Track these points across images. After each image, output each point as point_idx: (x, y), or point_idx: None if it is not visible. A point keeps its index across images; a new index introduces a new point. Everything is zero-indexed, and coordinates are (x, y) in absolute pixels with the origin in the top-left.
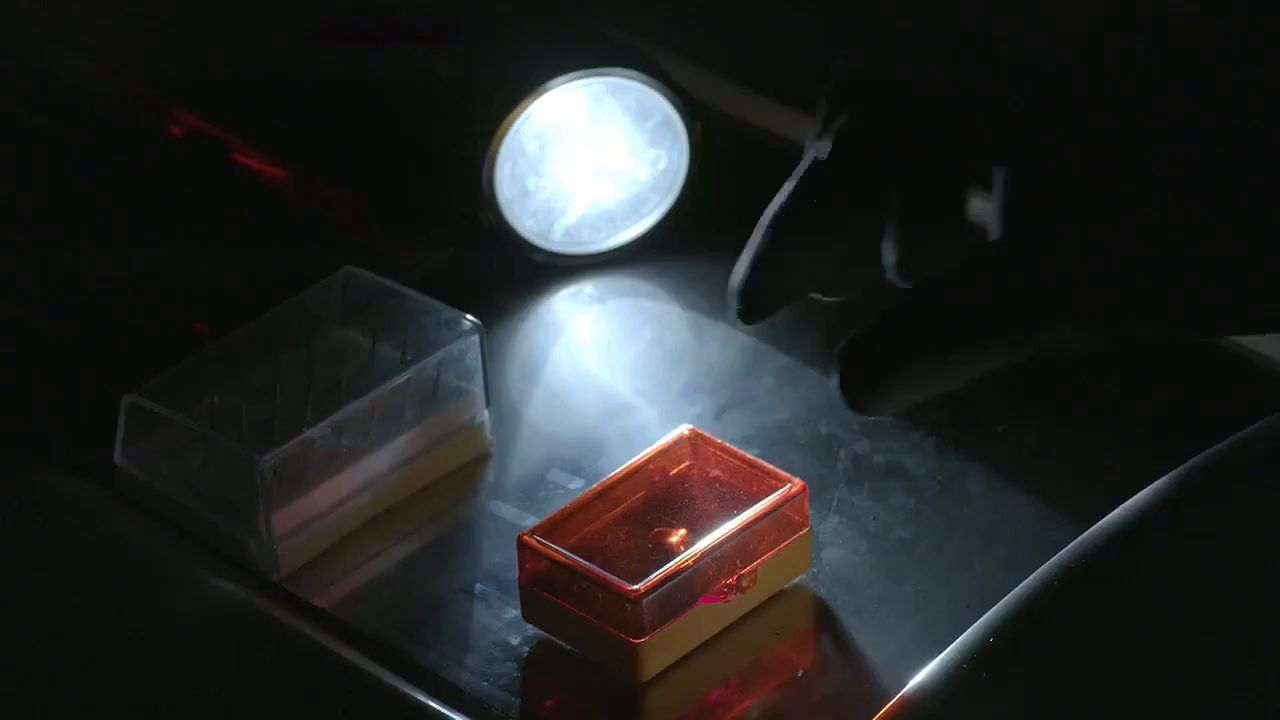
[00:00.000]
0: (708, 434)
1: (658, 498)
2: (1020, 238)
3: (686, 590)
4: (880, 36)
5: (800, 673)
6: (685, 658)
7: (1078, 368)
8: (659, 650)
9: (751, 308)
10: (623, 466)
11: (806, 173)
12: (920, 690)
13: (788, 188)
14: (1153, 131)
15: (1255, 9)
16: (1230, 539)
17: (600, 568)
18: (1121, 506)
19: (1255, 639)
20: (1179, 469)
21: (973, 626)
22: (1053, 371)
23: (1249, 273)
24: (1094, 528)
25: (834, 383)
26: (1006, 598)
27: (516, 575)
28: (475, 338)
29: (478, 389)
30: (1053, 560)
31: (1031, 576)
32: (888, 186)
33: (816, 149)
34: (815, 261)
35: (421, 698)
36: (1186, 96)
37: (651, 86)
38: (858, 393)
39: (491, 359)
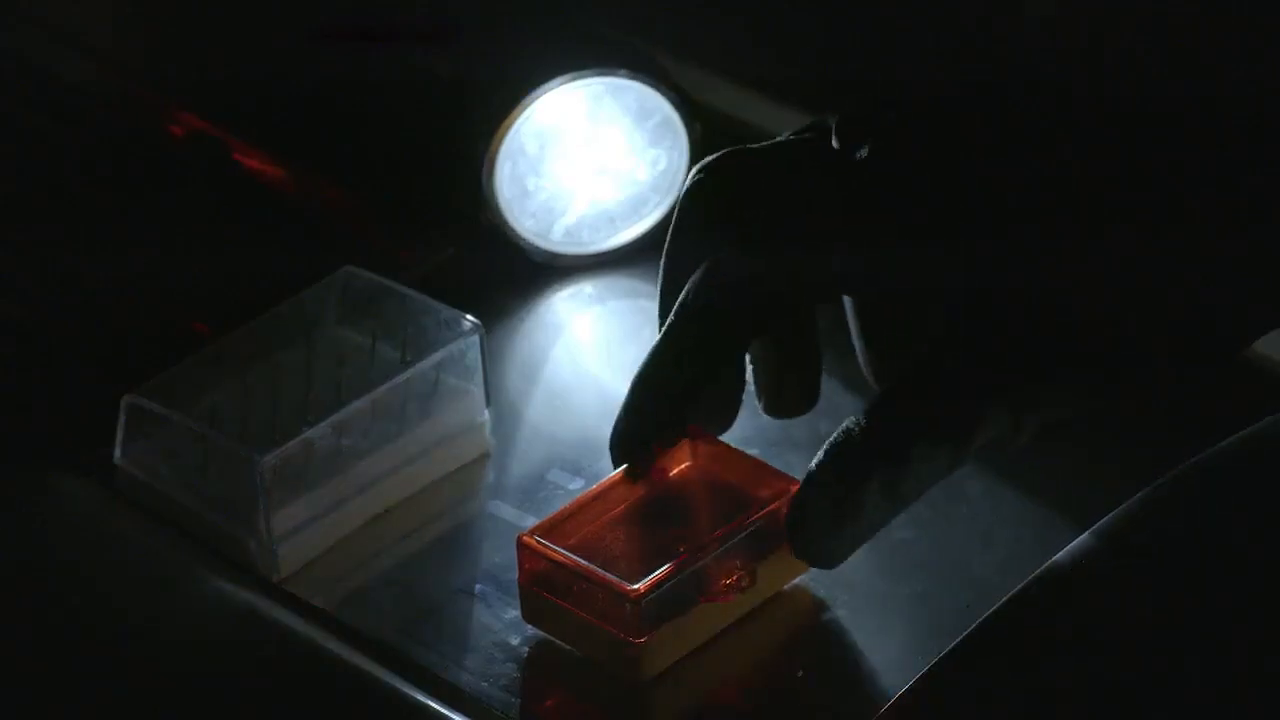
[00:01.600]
0: (708, 434)
1: (658, 497)
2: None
3: (686, 590)
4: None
5: (800, 673)
6: (685, 658)
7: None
8: (659, 650)
9: (624, 457)
10: (622, 467)
11: (666, 331)
12: (919, 690)
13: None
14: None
15: (1255, 8)
16: (1229, 539)
17: (600, 568)
18: (1121, 507)
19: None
20: (1178, 469)
21: (972, 626)
22: None
23: (1249, 274)
24: (1094, 528)
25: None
26: (1006, 598)
27: (516, 575)
28: (475, 338)
29: (478, 389)
30: (1052, 560)
31: (1031, 577)
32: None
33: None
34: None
35: (421, 698)
36: (1186, 96)
37: (651, 86)
38: (813, 555)
39: (491, 359)
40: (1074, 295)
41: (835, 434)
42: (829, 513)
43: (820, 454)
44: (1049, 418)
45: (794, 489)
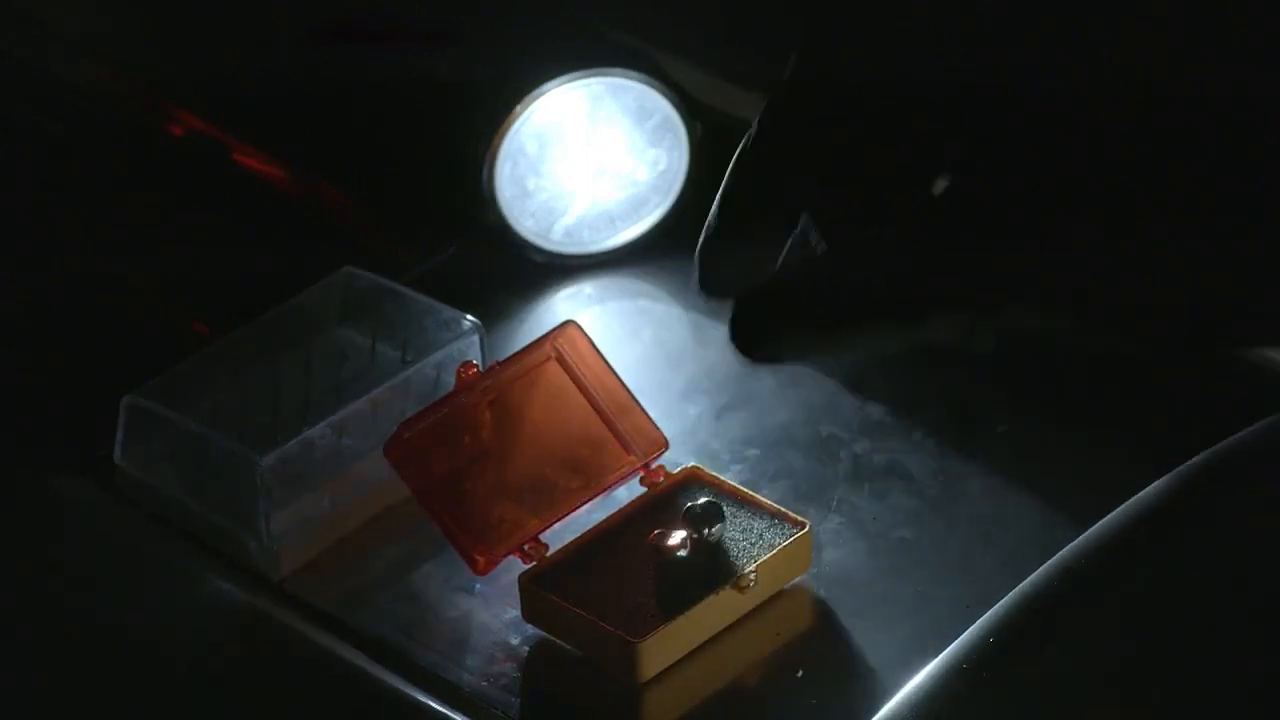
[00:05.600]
0: (709, 472)
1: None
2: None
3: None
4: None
5: (800, 673)
6: (685, 658)
7: (1076, 368)
8: (659, 650)
9: (707, 282)
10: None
11: (738, 156)
12: (919, 690)
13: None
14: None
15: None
16: (1230, 539)
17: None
18: (1121, 507)
19: (1255, 639)
20: (1179, 469)
21: (972, 627)
22: (1053, 372)
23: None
24: (1094, 528)
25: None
26: (1006, 598)
27: (517, 575)
28: (475, 338)
29: None
30: (1052, 561)
31: (1031, 577)
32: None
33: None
34: (760, 242)
35: (421, 698)
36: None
37: (651, 86)
38: (746, 338)
39: (491, 359)
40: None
41: (779, 270)
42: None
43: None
44: (1007, 326)
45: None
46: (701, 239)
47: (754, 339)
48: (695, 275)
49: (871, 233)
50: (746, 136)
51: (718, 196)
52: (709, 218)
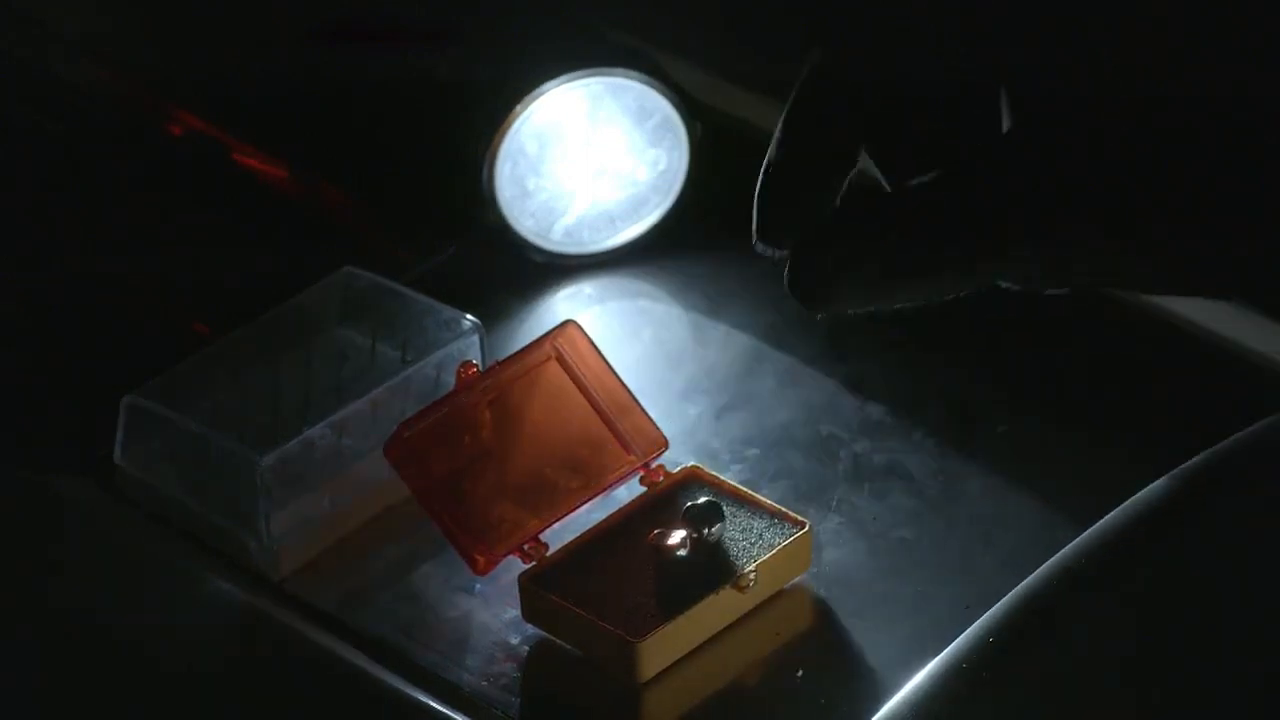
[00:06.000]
0: (709, 472)
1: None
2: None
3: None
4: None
5: (800, 673)
6: (685, 658)
7: (1077, 368)
8: (659, 650)
9: (765, 226)
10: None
11: (798, 87)
12: (919, 690)
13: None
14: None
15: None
16: (1230, 539)
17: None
18: (1121, 507)
19: (1255, 639)
20: (1178, 469)
21: (972, 626)
22: (1053, 372)
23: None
24: (1094, 528)
25: (785, 277)
26: (1006, 598)
27: (517, 575)
28: (475, 338)
29: None
30: (1052, 561)
31: (1031, 577)
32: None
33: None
34: (821, 178)
35: (421, 698)
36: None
37: (651, 86)
38: (805, 286)
39: (491, 359)
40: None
41: (843, 204)
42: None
43: (827, 218)
44: (1080, 272)
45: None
46: (760, 179)
47: (813, 287)
48: (754, 221)
49: (933, 170)
50: (804, 67)
51: (777, 129)
52: (768, 154)
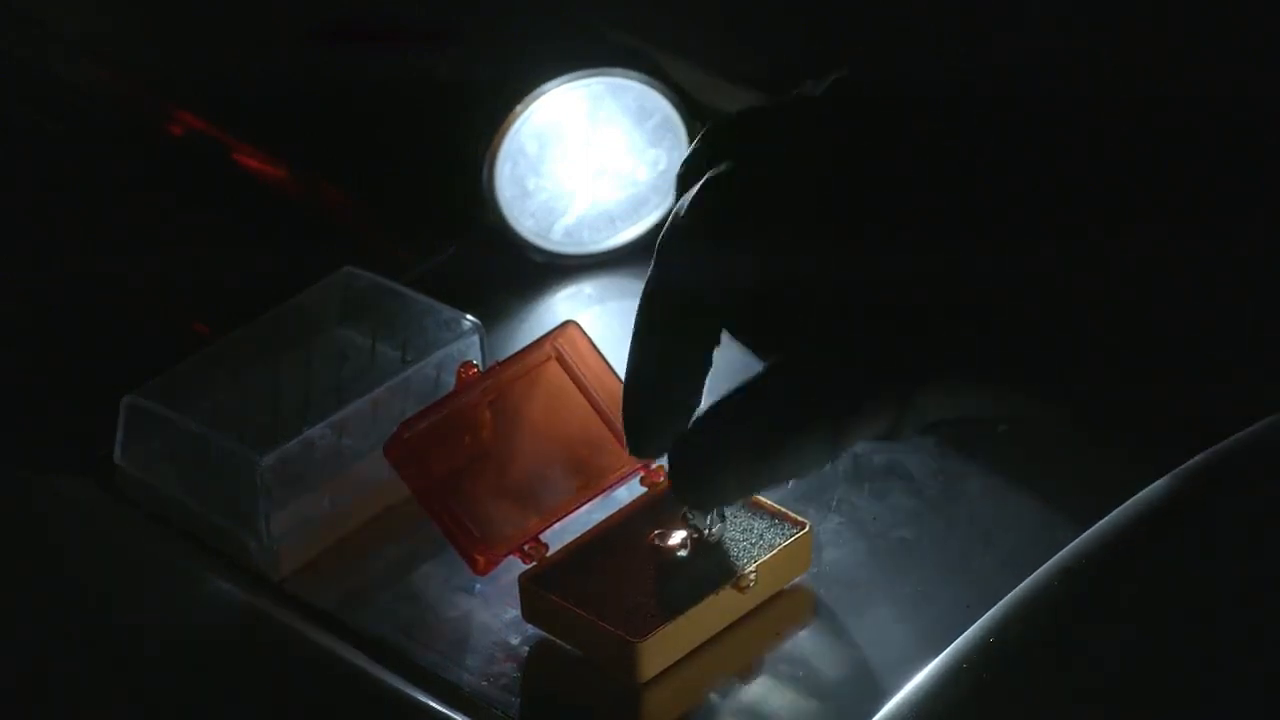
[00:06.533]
0: None
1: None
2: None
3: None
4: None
5: (800, 673)
6: (685, 658)
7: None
8: (659, 650)
9: (639, 446)
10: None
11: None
12: (919, 690)
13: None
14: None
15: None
16: (1230, 539)
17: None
18: (1121, 507)
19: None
20: (1179, 469)
21: (972, 627)
22: None
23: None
24: (1094, 528)
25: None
26: (1006, 598)
27: (517, 575)
28: (475, 338)
29: None
30: (1052, 561)
31: (1031, 577)
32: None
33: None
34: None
35: (421, 698)
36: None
37: (651, 86)
38: (683, 487)
39: (491, 359)
40: (964, 284)
41: (709, 407)
42: (697, 480)
43: (693, 420)
44: (937, 414)
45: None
46: (623, 398)
47: (698, 494)
48: (625, 438)
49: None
50: (647, 281)
51: (633, 340)
52: (627, 363)
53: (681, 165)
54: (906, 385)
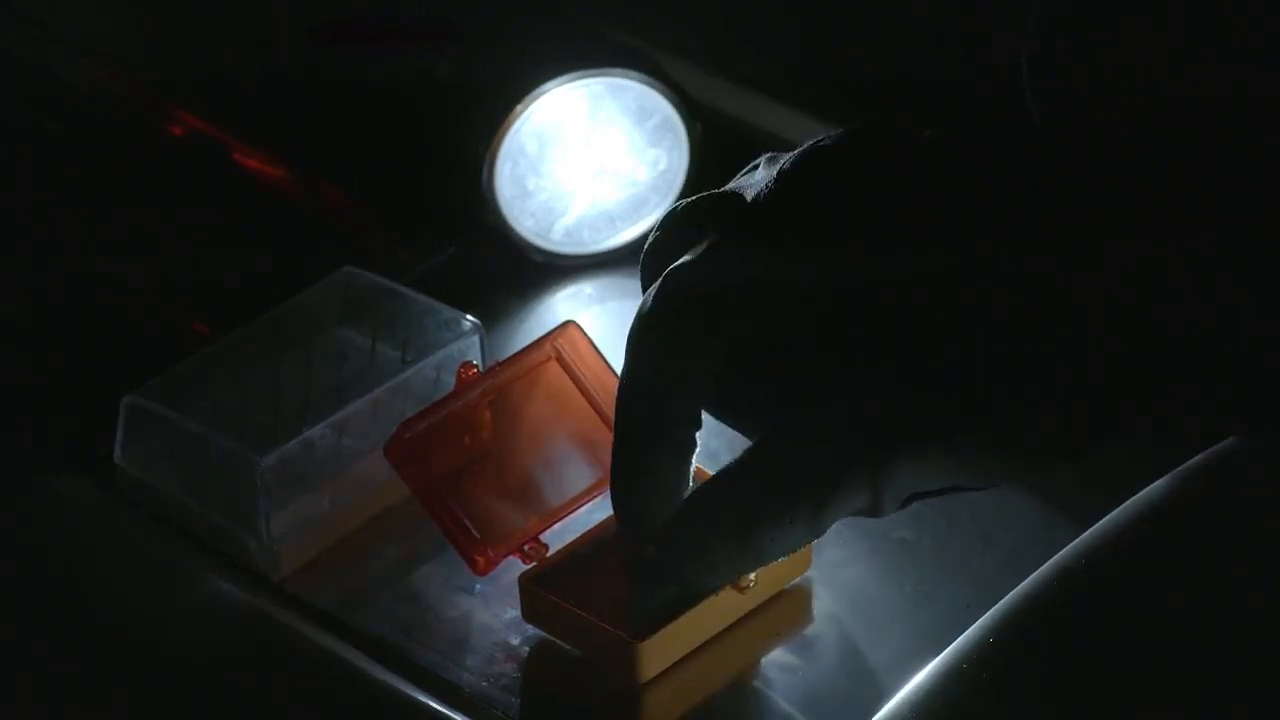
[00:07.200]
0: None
1: None
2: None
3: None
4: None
5: (800, 673)
6: (685, 658)
7: None
8: (659, 650)
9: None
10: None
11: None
12: (919, 690)
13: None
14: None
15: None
16: (1230, 539)
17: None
18: (1121, 507)
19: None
20: (1179, 469)
21: (972, 627)
22: None
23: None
24: (1094, 528)
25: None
26: (1006, 598)
27: (517, 575)
28: (475, 338)
29: None
30: (1052, 561)
31: (1031, 577)
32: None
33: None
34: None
35: (421, 698)
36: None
37: (651, 86)
38: (673, 576)
39: (491, 359)
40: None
41: (689, 497)
42: (679, 571)
43: (674, 515)
44: (916, 486)
45: None
46: (611, 490)
47: (686, 580)
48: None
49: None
50: (621, 374)
51: (614, 444)
52: (611, 469)
53: (644, 251)
54: (876, 459)
